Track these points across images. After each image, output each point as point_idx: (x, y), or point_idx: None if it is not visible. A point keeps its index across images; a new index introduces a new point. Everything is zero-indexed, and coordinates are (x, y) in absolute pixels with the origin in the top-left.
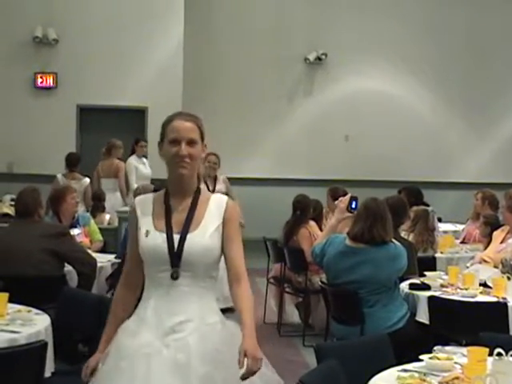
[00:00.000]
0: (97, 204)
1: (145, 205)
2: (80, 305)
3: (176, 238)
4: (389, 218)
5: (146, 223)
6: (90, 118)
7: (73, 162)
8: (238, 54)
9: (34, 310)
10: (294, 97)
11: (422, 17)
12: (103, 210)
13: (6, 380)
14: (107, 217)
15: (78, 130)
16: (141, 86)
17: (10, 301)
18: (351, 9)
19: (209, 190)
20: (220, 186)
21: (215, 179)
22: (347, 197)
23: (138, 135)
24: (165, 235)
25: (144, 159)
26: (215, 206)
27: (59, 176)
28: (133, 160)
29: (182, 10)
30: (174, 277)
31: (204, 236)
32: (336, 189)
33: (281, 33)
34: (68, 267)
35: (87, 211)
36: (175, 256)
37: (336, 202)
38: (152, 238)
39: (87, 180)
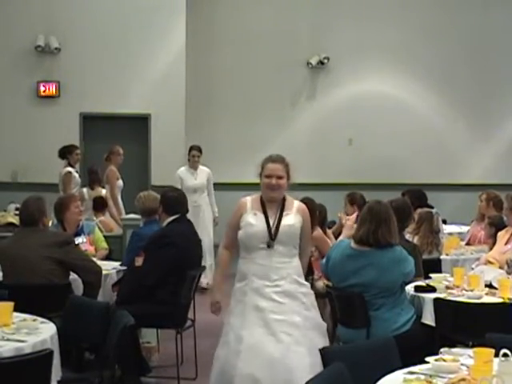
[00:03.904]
0: (93, 177)
1: None
2: (86, 313)
3: None
4: (393, 220)
5: None
6: (94, 125)
7: (59, 154)
8: (241, 59)
9: (40, 319)
10: (297, 101)
11: (424, 20)
12: (99, 183)
13: None
14: (103, 191)
15: (82, 138)
16: (144, 92)
17: (16, 310)
18: (353, 13)
19: None
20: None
21: None
22: (354, 215)
23: (141, 142)
24: None
25: (193, 169)
26: None
27: None
28: (179, 171)
29: (184, 16)
30: None
31: None
32: (354, 194)
33: (283, 37)
34: (73, 275)
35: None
36: None
37: (343, 221)
38: None
39: (67, 169)
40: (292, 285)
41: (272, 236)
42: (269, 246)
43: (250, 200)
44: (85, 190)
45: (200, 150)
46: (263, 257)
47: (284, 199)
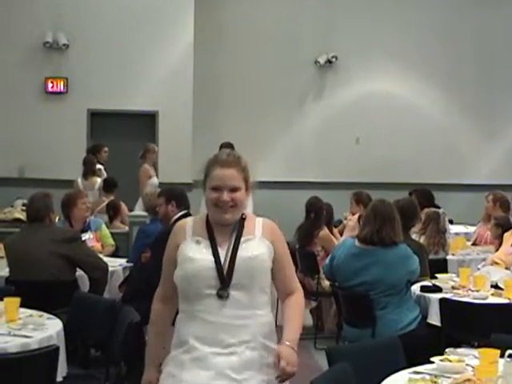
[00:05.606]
0: (87, 167)
1: None
2: (92, 309)
3: None
4: (397, 218)
5: None
6: (101, 122)
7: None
8: (249, 57)
9: (46, 315)
10: (304, 100)
11: (433, 19)
12: (93, 173)
13: None
14: (98, 180)
15: (89, 135)
16: (151, 90)
17: (22, 305)
18: (361, 11)
19: None
20: None
21: None
22: (356, 216)
23: (148, 140)
24: None
25: None
26: None
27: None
28: None
29: (192, 13)
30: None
31: None
32: (360, 193)
33: (291, 36)
34: (80, 272)
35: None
36: None
37: (345, 222)
38: None
39: (98, 166)
40: (256, 352)
41: (224, 277)
42: (220, 295)
43: (190, 222)
44: (79, 180)
45: (231, 148)
46: (211, 309)
47: (242, 218)
